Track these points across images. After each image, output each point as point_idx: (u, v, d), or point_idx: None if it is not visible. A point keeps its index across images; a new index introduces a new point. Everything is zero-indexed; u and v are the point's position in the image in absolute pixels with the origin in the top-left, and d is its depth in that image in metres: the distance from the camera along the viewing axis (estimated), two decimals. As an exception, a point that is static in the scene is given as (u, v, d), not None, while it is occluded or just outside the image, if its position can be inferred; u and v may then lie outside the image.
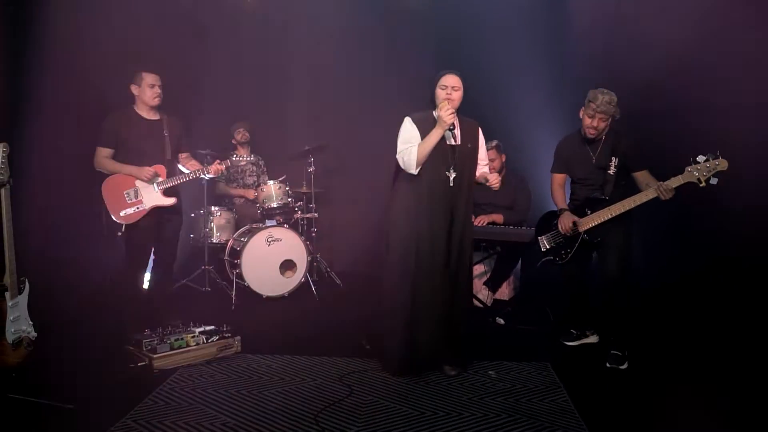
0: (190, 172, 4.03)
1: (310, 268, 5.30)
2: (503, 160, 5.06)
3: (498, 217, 4.91)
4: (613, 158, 3.53)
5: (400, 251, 3.26)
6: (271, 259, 5.05)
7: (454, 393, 3.03)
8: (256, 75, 6.07)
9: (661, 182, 3.32)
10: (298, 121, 6.20)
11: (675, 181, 3.28)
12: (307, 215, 5.63)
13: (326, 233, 6.27)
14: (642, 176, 3.49)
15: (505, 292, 5.08)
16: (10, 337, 2.65)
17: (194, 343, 3.49)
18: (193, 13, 5.61)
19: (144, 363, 3.29)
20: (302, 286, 5.17)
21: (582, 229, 3.60)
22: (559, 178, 3.86)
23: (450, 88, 3.20)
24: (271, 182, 5.35)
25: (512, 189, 5.06)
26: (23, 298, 2.76)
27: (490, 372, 3.31)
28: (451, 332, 3.31)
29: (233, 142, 5.82)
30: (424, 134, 3.19)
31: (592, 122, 3.51)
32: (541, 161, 5.51)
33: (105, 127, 3.89)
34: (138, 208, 3.85)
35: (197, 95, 5.55)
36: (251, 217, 5.62)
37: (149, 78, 3.88)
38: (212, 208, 5.39)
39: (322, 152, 5.66)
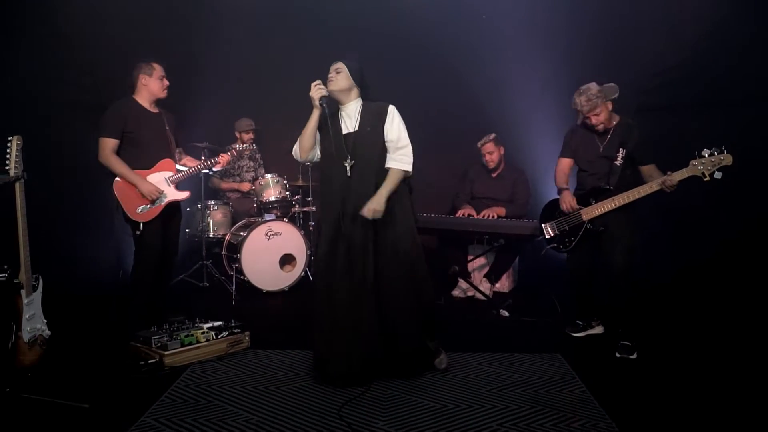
0: (192, 168, 3.95)
1: (309, 262, 5.27)
2: (501, 152, 5.08)
3: (501, 210, 4.93)
4: (620, 149, 3.56)
5: (321, 251, 3.09)
6: (271, 254, 5.01)
7: (472, 385, 3.04)
8: (253, 68, 5.98)
9: (666, 176, 3.38)
10: (294, 114, 6.12)
11: (679, 175, 3.34)
12: (304, 209, 5.58)
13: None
14: (648, 170, 3.54)
15: (504, 284, 5.12)
16: (26, 336, 2.58)
17: (204, 339, 3.44)
18: (194, 6, 5.50)
19: (154, 360, 3.24)
20: (302, 281, 5.14)
21: (586, 218, 3.66)
22: (565, 162, 3.88)
23: (333, 72, 3.10)
24: (269, 176, 5.30)
25: (511, 182, 5.09)
26: (37, 296, 2.69)
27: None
28: (374, 337, 3.00)
29: (237, 136, 5.70)
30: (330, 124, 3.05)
31: (592, 121, 3.60)
32: (540, 154, 5.59)
33: (110, 117, 3.71)
34: (154, 204, 3.73)
35: (195, 88, 5.44)
36: (247, 212, 5.57)
37: (160, 69, 3.77)
38: (209, 202, 5.32)
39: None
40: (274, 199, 5.25)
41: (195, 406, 2.77)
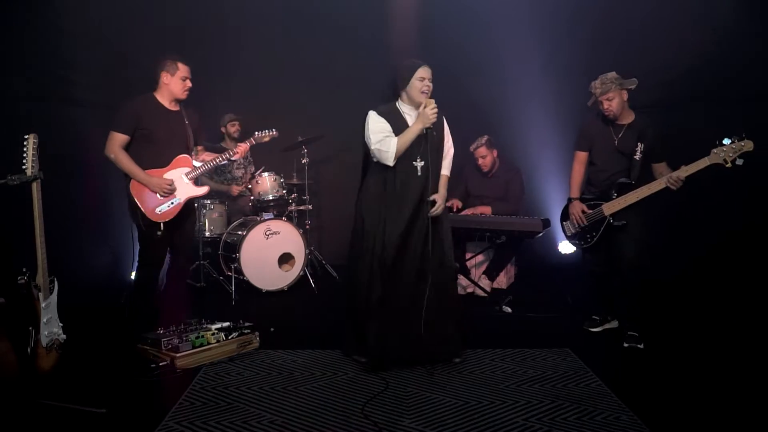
0: (211, 160, 3.83)
1: (307, 262, 5.22)
2: (495, 154, 5.10)
3: (486, 209, 4.95)
4: (639, 144, 3.60)
5: (370, 244, 3.20)
6: (270, 253, 4.97)
7: (489, 381, 3.06)
8: (246, 66, 5.91)
9: (671, 173, 3.43)
10: (286, 112, 6.07)
11: (684, 171, 3.40)
12: (300, 207, 5.54)
13: (315, 225, 6.20)
14: (661, 167, 3.60)
15: (502, 280, 5.16)
16: (44, 341, 2.50)
17: (214, 341, 3.40)
18: (185, 3, 5.41)
19: (165, 363, 3.18)
20: (301, 280, 5.11)
21: (608, 212, 3.67)
22: (582, 156, 3.85)
23: (427, 80, 3.20)
24: (266, 174, 5.25)
25: (505, 180, 5.11)
26: (53, 299, 2.61)
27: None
28: (444, 324, 3.25)
29: (223, 132, 5.64)
30: (393, 126, 3.19)
31: (602, 106, 3.65)
32: (538, 154, 5.65)
33: (124, 111, 3.56)
34: (173, 203, 3.61)
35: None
36: (242, 210, 5.51)
37: (184, 70, 3.62)
38: (205, 201, 5.23)
39: (311, 143, 5.58)
40: (271, 198, 5.20)
41: (216, 409, 2.74)
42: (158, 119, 3.62)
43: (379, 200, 3.23)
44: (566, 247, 5.92)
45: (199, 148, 3.95)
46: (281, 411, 2.71)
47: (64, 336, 2.67)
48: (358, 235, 3.28)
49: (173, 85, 3.64)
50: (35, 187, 2.48)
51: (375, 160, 3.25)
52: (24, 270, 2.45)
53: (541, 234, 4.54)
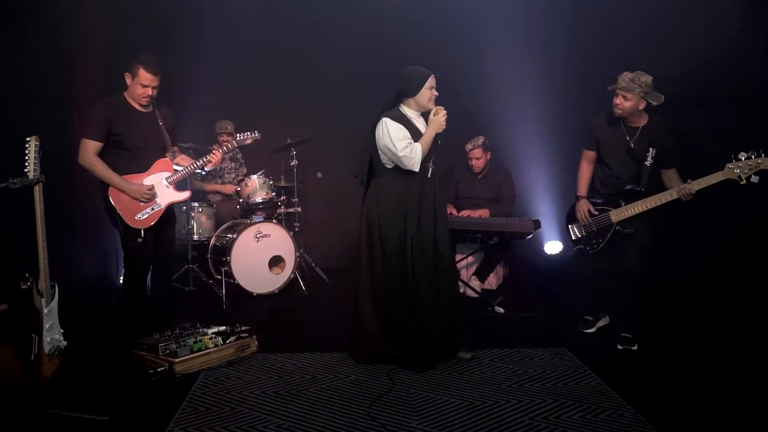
0: (184, 168, 3.71)
1: (297, 265, 5.19)
2: (488, 157, 5.14)
3: (484, 212, 4.99)
4: (651, 149, 3.53)
5: (396, 247, 3.28)
6: (260, 256, 4.93)
7: (491, 381, 3.09)
8: (237, 67, 5.86)
9: (682, 185, 3.39)
10: (276, 114, 6.04)
11: (697, 185, 3.35)
12: (290, 209, 5.51)
13: (303, 227, 6.16)
14: (669, 174, 3.56)
15: (492, 281, 5.20)
16: (46, 347, 2.45)
17: (212, 345, 3.36)
18: (176, 5, 5.34)
19: (163, 368, 3.14)
20: (291, 283, 5.08)
21: (615, 219, 3.63)
22: (590, 155, 3.78)
23: (434, 88, 3.30)
24: (255, 176, 5.20)
25: (496, 183, 5.15)
26: (55, 305, 2.55)
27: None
28: (456, 317, 3.39)
29: (221, 140, 5.56)
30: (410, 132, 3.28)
31: (615, 99, 3.52)
32: (524, 154, 5.71)
33: (94, 116, 3.43)
34: (153, 208, 3.52)
35: (179, 87, 5.28)
36: (230, 213, 5.45)
37: (144, 78, 3.43)
38: (193, 204, 5.17)
39: (300, 146, 5.56)
40: (260, 201, 5.16)
41: (220, 414, 2.71)
42: (129, 123, 3.51)
43: (400, 203, 3.28)
44: (552, 248, 6.00)
45: (175, 148, 3.81)
46: (286, 415, 2.70)
47: (65, 342, 2.62)
48: (381, 240, 3.31)
49: (132, 89, 3.50)
50: (37, 191, 2.42)
51: (390, 165, 3.29)
52: (27, 275, 2.39)
53: (531, 235, 4.60)
